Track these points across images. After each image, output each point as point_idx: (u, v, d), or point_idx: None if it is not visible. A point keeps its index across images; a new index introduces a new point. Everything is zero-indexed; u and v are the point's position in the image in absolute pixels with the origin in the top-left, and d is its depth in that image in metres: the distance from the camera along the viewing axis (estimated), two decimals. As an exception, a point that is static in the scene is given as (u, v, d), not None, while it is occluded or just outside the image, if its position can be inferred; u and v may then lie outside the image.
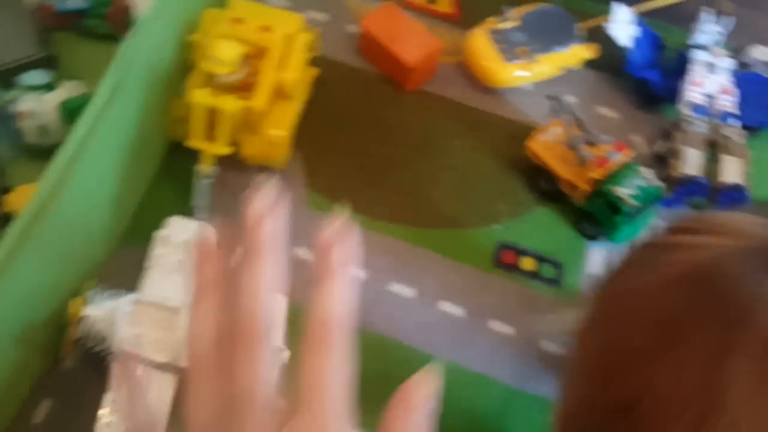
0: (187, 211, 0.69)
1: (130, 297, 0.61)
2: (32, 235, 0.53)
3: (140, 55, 0.60)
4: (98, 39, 0.77)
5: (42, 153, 0.70)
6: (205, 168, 0.66)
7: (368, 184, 0.76)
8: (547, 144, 0.73)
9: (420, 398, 0.32)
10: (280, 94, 0.69)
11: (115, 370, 0.52)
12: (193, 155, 0.68)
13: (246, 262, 0.35)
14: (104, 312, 0.59)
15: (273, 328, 0.34)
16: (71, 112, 0.66)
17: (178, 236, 0.66)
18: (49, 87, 0.68)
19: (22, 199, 0.67)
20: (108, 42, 0.77)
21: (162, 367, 0.61)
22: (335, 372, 0.32)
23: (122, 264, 0.67)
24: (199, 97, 0.63)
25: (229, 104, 0.64)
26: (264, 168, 0.74)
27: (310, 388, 0.31)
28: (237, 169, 0.72)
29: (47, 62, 0.73)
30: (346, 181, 0.75)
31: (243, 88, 0.66)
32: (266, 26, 0.68)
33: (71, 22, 0.76)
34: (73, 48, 0.77)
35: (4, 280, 0.50)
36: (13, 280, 0.52)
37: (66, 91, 0.68)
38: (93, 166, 0.59)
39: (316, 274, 0.35)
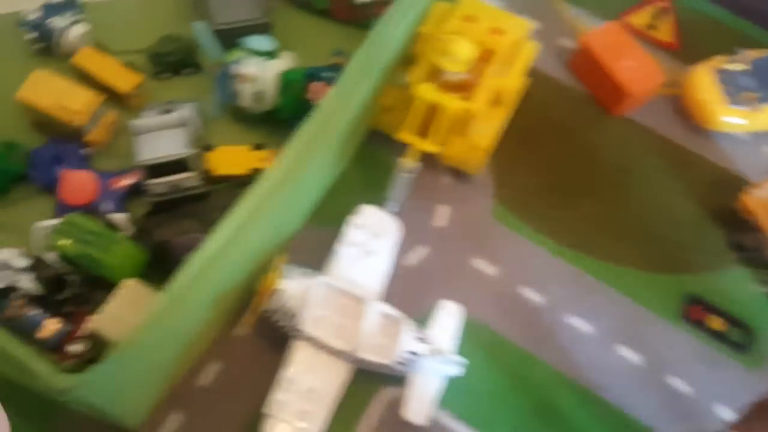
0: (374, 200, 0.67)
1: (323, 279, 0.60)
2: (264, 207, 0.52)
3: (387, 41, 0.59)
4: (313, 14, 0.78)
5: (243, 117, 0.71)
6: (410, 163, 0.64)
7: (557, 205, 0.72)
8: (765, 202, 0.68)
9: None
10: (495, 100, 0.67)
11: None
12: (388, 146, 0.67)
13: None
14: (298, 289, 0.59)
15: None
16: (288, 83, 0.66)
17: (370, 225, 0.66)
18: (270, 54, 0.68)
19: (220, 158, 0.68)
20: (321, 19, 0.78)
21: (337, 353, 0.60)
22: None
23: (309, 241, 0.67)
24: (425, 91, 0.62)
25: (455, 104, 0.62)
26: (457, 171, 0.72)
27: None
28: (427, 167, 0.70)
29: (264, 28, 0.73)
30: (535, 198, 0.72)
31: (462, 88, 0.64)
32: (497, 28, 0.65)
33: (293, -8, 0.76)
34: (288, 18, 0.77)
35: (235, 248, 0.51)
36: (238, 248, 0.52)
37: (286, 61, 0.68)
38: (325, 143, 0.58)
39: None
